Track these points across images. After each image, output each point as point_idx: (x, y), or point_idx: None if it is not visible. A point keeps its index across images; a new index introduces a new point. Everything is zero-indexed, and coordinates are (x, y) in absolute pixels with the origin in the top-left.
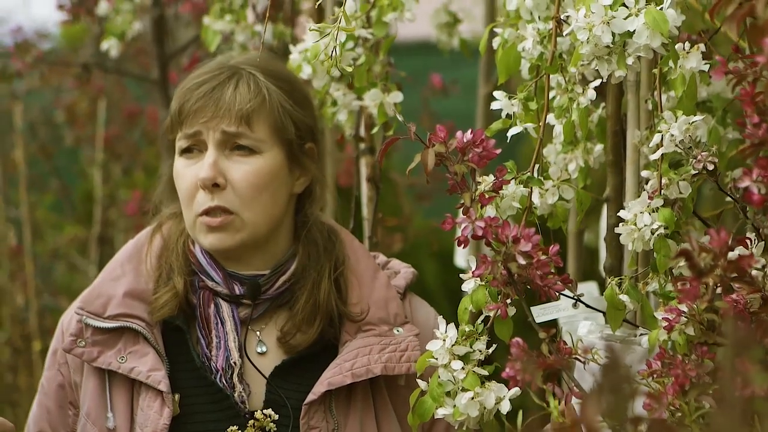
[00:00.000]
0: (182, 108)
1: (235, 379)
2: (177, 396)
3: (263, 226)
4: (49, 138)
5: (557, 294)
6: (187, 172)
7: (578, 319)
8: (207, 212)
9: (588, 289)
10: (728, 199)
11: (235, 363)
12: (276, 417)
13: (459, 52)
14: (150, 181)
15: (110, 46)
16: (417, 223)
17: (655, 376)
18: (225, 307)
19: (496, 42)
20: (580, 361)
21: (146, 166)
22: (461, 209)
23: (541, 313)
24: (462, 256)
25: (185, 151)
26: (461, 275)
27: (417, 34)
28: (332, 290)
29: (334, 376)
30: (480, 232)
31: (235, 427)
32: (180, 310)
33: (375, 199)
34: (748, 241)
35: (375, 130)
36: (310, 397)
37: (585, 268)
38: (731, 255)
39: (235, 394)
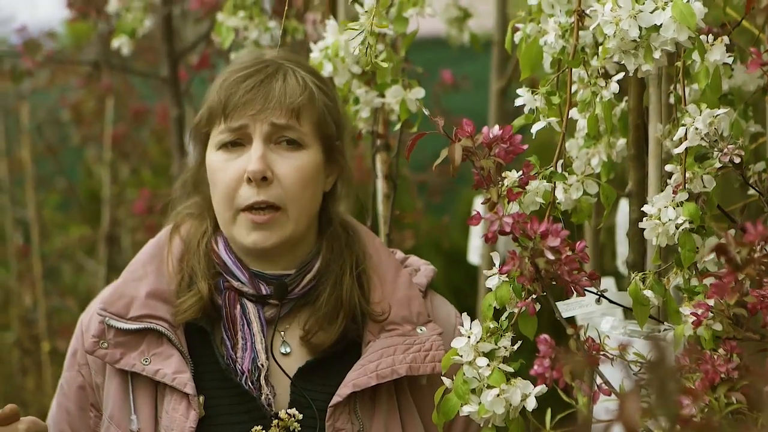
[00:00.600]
0: (228, 101)
1: (262, 381)
2: (201, 398)
3: (303, 223)
4: (55, 137)
5: (583, 290)
6: (229, 166)
7: (596, 315)
8: (252, 207)
9: (605, 285)
10: (750, 192)
11: (262, 365)
12: (300, 417)
13: (466, 47)
14: (158, 180)
15: (121, 43)
16: (427, 220)
17: (684, 372)
18: (251, 308)
19: (518, 37)
20: (608, 357)
21: (154, 165)
22: (487, 205)
23: (564, 309)
24: (476, 253)
25: (226, 145)
26: (485, 272)
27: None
28: (355, 286)
29: (359, 377)
30: (508, 228)
31: (259, 427)
32: (204, 312)
33: (392, 196)
34: None
35: (397, 126)
36: (336, 399)
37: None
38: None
39: (262, 397)
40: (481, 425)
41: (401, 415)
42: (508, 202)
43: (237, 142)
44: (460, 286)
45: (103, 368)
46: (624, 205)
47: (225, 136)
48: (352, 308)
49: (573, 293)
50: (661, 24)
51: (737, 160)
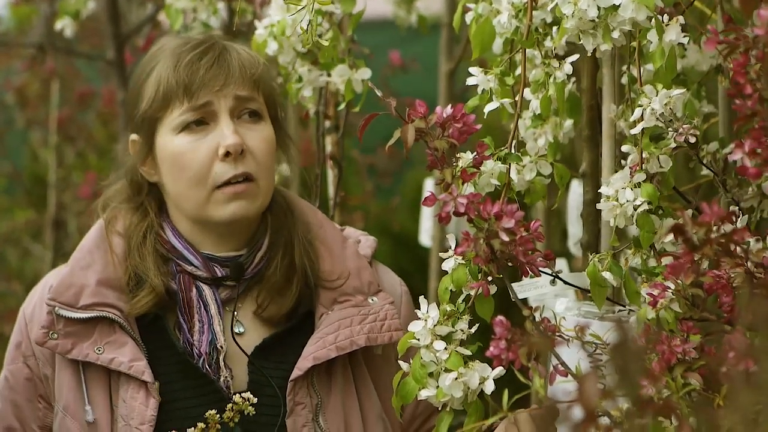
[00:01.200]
0: (191, 80)
1: (221, 363)
2: (157, 384)
3: (269, 194)
4: None
5: (538, 270)
6: (199, 145)
7: (548, 296)
8: (229, 181)
9: (558, 266)
10: (704, 172)
11: (221, 347)
12: (255, 400)
13: (414, 29)
14: (104, 163)
15: (64, 25)
16: (376, 202)
17: (641, 352)
18: (207, 290)
19: (469, 17)
20: (563, 338)
21: (100, 148)
22: (441, 186)
23: (519, 291)
24: (427, 234)
25: (189, 126)
26: (440, 254)
27: (374, 11)
28: (306, 253)
29: (318, 350)
30: (462, 209)
31: (213, 411)
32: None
33: (338, 178)
34: (732, 216)
35: (341, 106)
36: (296, 372)
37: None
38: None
39: (221, 380)
40: (439, 409)
41: (357, 387)
42: (463, 183)
43: (201, 121)
44: (408, 269)
45: (51, 359)
46: (576, 186)
47: (188, 116)
48: (304, 274)
49: (528, 274)
50: (620, 4)
51: (692, 140)
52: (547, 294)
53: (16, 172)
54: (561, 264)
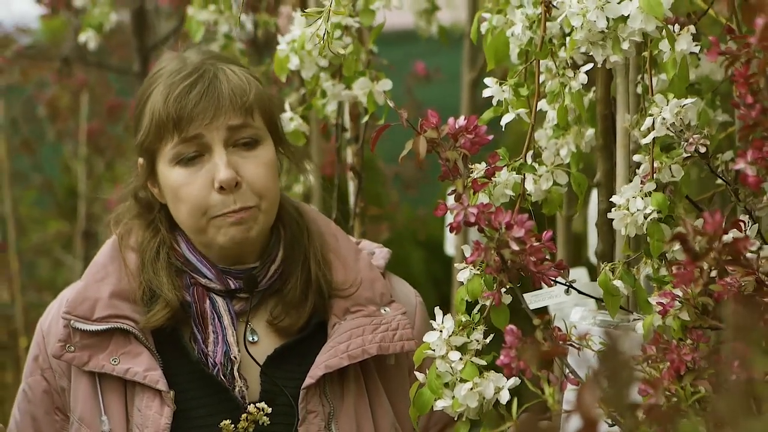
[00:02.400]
0: (180, 115)
1: (236, 373)
2: (172, 393)
3: (273, 214)
4: (31, 133)
5: (551, 280)
6: (194, 179)
7: (568, 305)
8: (226, 213)
9: (578, 275)
10: (719, 181)
11: (235, 357)
12: (269, 410)
13: (441, 41)
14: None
15: (88, 38)
16: (403, 212)
17: (650, 361)
18: (220, 302)
19: (484, 27)
20: (575, 347)
21: (129, 159)
22: (453, 196)
23: (533, 300)
24: (452, 245)
25: (185, 160)
26: (456, 265)
27: (400, 23)
28: (320, 265)
29: (330, 359)
30: (472, 219)
31: (228, 421)
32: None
33: (358, 189)
34: (741, 224)
35: (365, 118)
36: (308, 381)
37: (572, 254)
38: (726, 238)
39: (236, 389)
40: (455, 419)
41: (369, 396)
42: (474, 193)
43: (196, 155)
44: (439, 276)
45: (68, 371)
46: (596, 196)
47: (180, 149)
48: (319, 287)
49: (540, 284)
50: (629, 15)
51: (703, 150)
52: (566, 303)
53: (48, 184)
54: (581, 273)
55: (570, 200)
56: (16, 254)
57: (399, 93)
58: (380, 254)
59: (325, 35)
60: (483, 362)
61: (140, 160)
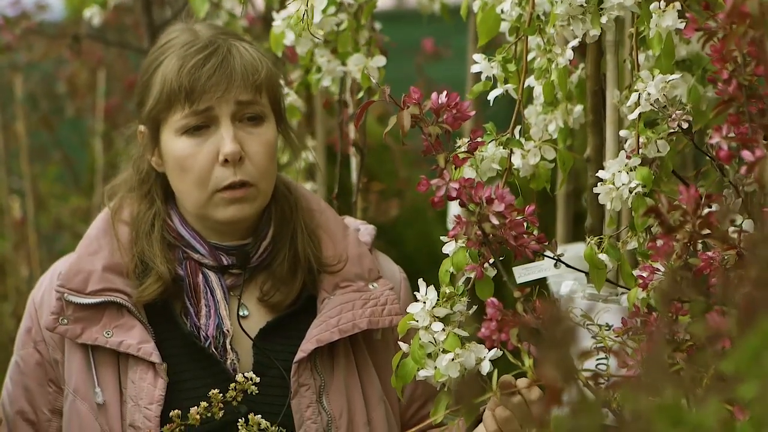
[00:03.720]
0: (193, 86)
1: (228, 346)
2: (164, 365)
3: (270, 194)
4: (50, 109)
5: (534, 253)
6: (199, 150)
7: (567, 278)
8: (229, 186)
9: (577, 249)
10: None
11: (228, 330)
12: (257, 380)
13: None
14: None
15: (92, 14)
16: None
17: (630, 333)
18: (212, 276)
19: (476, 5)
20: None
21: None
22: (437, 170)
23: (523, 274)
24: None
25: (190, 130)
26: (442, 238)
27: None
28: (309, 242)
29: (321, 332)
30: (454, 193)
31: (216, 391)
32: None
33: (360, 164)
34: (723, 199)
35: (360, 95)
36: (300, 354)
37: (576, 229)
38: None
39: (227, 362)
40: (438, 389)
41: (359, 370)
42: (456, 168)
43: (202, 125)
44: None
45: (61, 344)
46: None
47: (189, 121)
48: (308, 263)
49: (521, 257)
50: None
51: (685, 126)
52: (565, 276)
53: (68, 160)
54: (581, 248)
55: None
56: (35, 229)
57: (410, 71)
58: (366, 230)
59: (305, 15)
60: (465, 333)
61: (141, 128)
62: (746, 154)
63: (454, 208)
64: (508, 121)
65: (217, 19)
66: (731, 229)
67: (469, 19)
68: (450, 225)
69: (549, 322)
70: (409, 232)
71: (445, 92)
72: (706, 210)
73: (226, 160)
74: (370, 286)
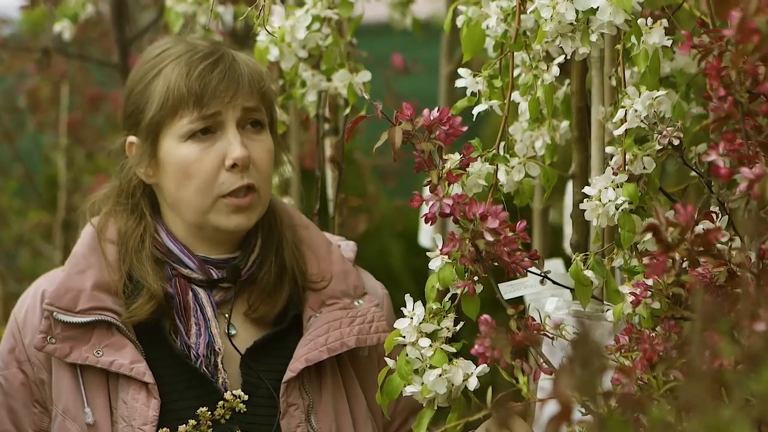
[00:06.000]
0: (203, 90)
1: (219, 365)
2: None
3: (267, 204)
4: (12, 124)
5: (525, 271)
6: (205, 155)
7: (545, 295)
8: (234, 192)
9: (554, 266)
10: (693, 173)
11: (219, 349)
12: (246, 398)
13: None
14: (114, 165)
15: (63, 28)
16: (382, 203)
17: (623, 350)
18: (202, 293)
19: (460, 20)
20: (548, 336)
21: (109, 150)
22: (428, 187)
23: (508, 290)
24: (426, 235)
25: (196, 135)
26: (428, 253)
27: (379, 16)
28: (295, 252)
29: (309, 352)
30: (447, 210)
31: (204, 409)
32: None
33: (338, 180)
34: (713, 215)
35: (347, 111)
36: (288, 374)
37: (550, 245)
38: (698, 229)
39: (219, 381)
40: (424, 405)
41: (346, 388)
42: (449, 184)
43: (207, 130)
44: (420, 268)
45: (47, 363)
46: (571, 187)
47: (196, 125)
48: (293, 275)
49: (514, 274)
50: (598, 7)
51: (676, 143)
52: (542, 293)
53: (29, 175)
54: (558, 264)
55: (542, 193)
56: None
57: (379, 86)
58: (347, 247)
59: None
60: (452, 349)
61: (133, 139)
62: (745, 172)
63: (425, 225)
64: (469, 138)
65: (193, 35)
66: (720, 246)
67: (442, 34)
68: (423, 241)
69: (576, 342)
70: (369, 248)
71: (436, 108)
72: (702, 227)
73: (233, 165)
74: (356, 303)
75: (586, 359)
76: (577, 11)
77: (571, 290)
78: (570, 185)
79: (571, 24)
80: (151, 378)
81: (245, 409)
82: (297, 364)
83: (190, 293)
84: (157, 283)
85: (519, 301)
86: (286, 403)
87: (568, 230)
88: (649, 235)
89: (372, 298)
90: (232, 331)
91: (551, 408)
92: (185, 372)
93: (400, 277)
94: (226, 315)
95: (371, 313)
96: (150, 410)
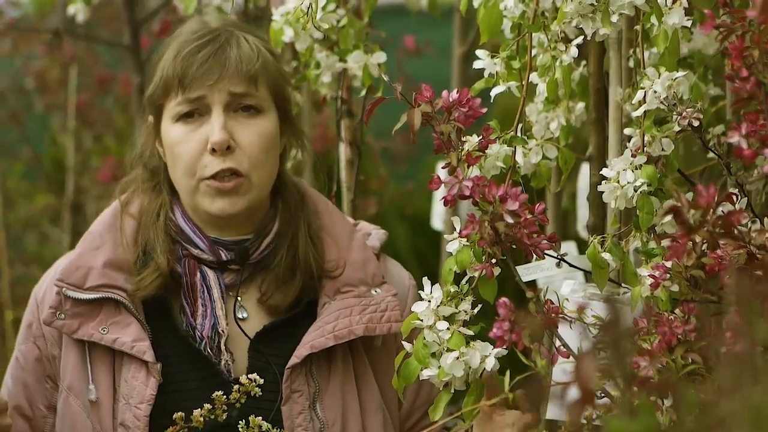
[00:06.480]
0: (185, 72)
1: (222, 347)
2: (159, 365)
3: (266, 188)
4: (19, 105)
5: (543, 253)
6: (190, 137)
7: (558, 278)
8: (216, 175)
9: (566, 249)
10: (709, 155)
11: (223, 331)
12: (261, 381)
13: (430, 14)
14: (122, 147)
15: (77, 10)
16: (390, 187)
17: (641, 333)
18: (211, 275)
19: (476, 1)
20: (568, 320)
21: (118, 132)
22: (447, 169)
23: (525, 273)
24: (439, 219)
25: (184, 116)
26: (446, 236)
27: None
28: (309, 244)
29: (316, 338)
30: (467, 192)
31: (220, 392)
32: (163, 284)
33: (357, 162)
34: (733, 197)
35: (363, 92)
36: (293, 360)
37: (561, 228)
38: (718, 211)
39: (222, 363)
40: (441, 389)
41: (357, 377)
42: (468, 167)
43: (195, 113)
44: (424, 252)
45: (59, 339)
46: (586, 170)
47: (182, 108)
48: (308, 266)
49: (533, 257)
50: None
51: (696, 124)
52: (556, 276)
53: (36, 157)
54: (570, 247)
55: (558, 174)
56: (2, 227)
57: (390, 67)
58: (376, 236)
59: (310, 8)
60: (470, 332)
61: (150, 118)
62: None
63: (438, 205)
64: (483, 119)
65: (206, 16)
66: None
67: (455, 15)
68: (435, 224)
69: (607, 326)
70: None
71: (455, 90)
72: (722, 210)
73: (214, 149)
74: (373, 292)
75: (617, 342)
76: None
77: (586, 273)
78: (584, 168)
79: (592, 4)
80: (152, 357)
81: (260, 393)
82: (302, 350)
83: (198, 274)
84: (165, 255)
85: (534, 284)
86: (290, 389)
87: (583, 213)
88: (668, 218)
89: (390, 288)
90: (244, 315)
91: (572, 392)
92: (189, 353)
93: (406, 260)
94: (238, 298)
95: (386, 302)
96: (148, 389)
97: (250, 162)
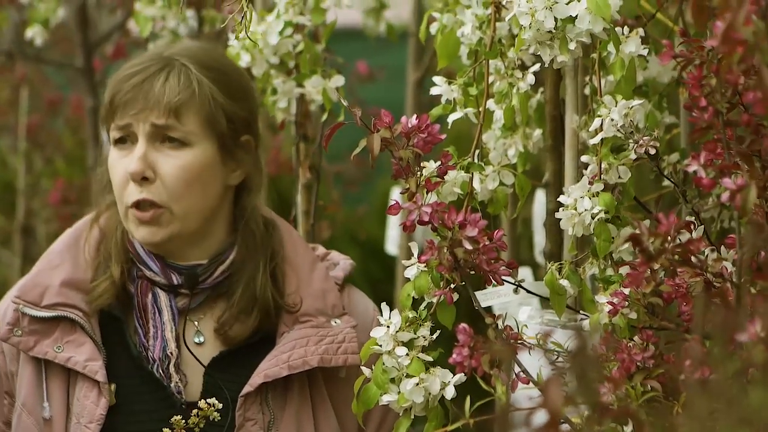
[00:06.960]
0: (113, 99)
1: (172, 369)
2: (113, 386)
3: (194, 219)
4: None
5: (501, 279)
6: (119, 163)
7: (513, 304)
8: (137, 205)
9: (522, 274)
10: (665, 183)
11: (171, 353)
12: (220, 406)
13: (383, 38)
14: (72, 170)
15: (35, 33)
16: (342, 211)
17: (601, 360)
18: (163, 297)
19: (434, 27)
20: (527, 346)
21: (69, 155)
22: (406, 194)
23: (482, 299)
24: (393, 243)
25: (118, 142)
26: (404, 262)
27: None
28: (268, 283)
29: (270, 367)
30: (426, 218)
31: (178, 417)
32: (118, 300)
33: (316, 187)
34: (691, 226)
35: (324, 117)
36: (247, 388)
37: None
38: (678, 239)
39: (171, 384)
40: (401, 414)
41: (314, 407)
42: (427, 192)
43: (127, 139)
44: (377, 277)
45: (17, 356)
46: (540, 196)
47: (115, 134)
48: (265, 304)
49: (491, 282)
50: (577, 15)
51: (652, 152)
52: (511, 302)
53: None
54: (526, 273)
55: (514, 201)
56: None
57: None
58: (342, 266)
59: (243, 18)
60: (429, 358)
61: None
62: (727, 182)
63: (392, 230)
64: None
65: (161, 39)
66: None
67: (408, 40)
68: (390, 249)
69: (574, 354)
70: None
71: (415, 115)
72: (683, 238)
73: (132, 179)
74: (332, 323)
75: (584, 369)
76: (555, 19)
77: (542, 299)
78: (539, 194)
79: (550, 32)
80: (103, 377)
81: (219, 418)
82: (257, 378)
83: (150, 295)
84: (120, 266)
85: (488, 310)
86: (243, 417)
87: (538, 239)
88: (626, 245)
89: (350, 319)
90: (201, 339)
91: (539, 417)
92: (141, 374)
93: (358, 285)
94: (196, 323)
95: (343, 333)
96: (98, 409)
97: (169, 194)
